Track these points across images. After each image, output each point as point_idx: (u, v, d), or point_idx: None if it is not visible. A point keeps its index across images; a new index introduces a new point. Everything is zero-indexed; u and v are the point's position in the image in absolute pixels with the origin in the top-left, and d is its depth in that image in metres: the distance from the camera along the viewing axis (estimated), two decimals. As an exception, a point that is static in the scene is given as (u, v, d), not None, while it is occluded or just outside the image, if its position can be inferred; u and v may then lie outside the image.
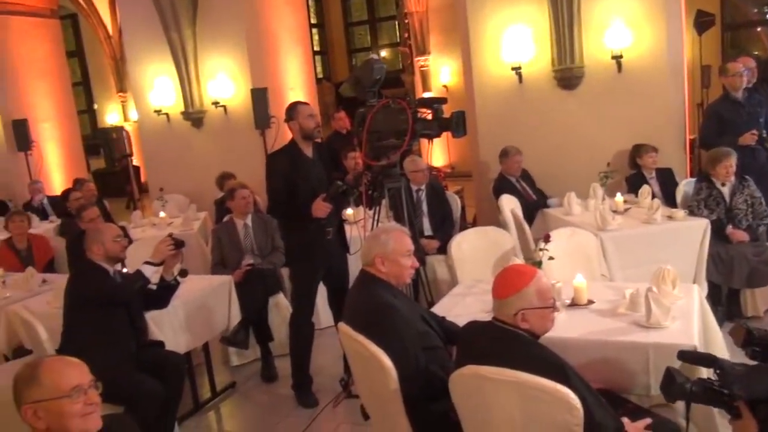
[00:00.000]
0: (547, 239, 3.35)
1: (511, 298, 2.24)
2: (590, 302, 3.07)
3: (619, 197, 5.12)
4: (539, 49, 6.21)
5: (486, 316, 2.82)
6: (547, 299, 2.26)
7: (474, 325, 2.45)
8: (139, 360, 3.46)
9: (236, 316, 4.36)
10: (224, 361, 4.81)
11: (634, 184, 5.55)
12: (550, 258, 3.29)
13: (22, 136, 9.48)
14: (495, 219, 5.68)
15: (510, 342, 2.21)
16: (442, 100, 3.59)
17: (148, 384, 3.30)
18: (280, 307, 4.85)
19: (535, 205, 5.70)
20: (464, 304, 3.30)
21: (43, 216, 8.35)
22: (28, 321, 3.56)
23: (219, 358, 4.77)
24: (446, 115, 3.57)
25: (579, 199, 5.22)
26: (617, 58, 5.93)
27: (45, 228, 7.28)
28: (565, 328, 2.75)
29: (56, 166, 10.25)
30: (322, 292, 4.18)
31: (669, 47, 5.88)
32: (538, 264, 3.15)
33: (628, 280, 3.98)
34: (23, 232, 5.71)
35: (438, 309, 3.23)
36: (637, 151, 5.71)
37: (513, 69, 6.26)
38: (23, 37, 9.80)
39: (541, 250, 3.31)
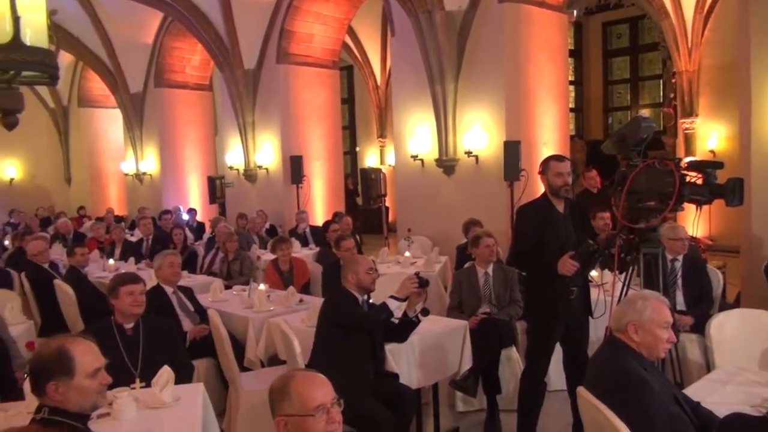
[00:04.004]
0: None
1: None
2: None
3: None
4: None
5: (751, 411, 2.50)
6: None
7: (740, 418, 2.16)
8: (375, 388, 3.63)
9: (467, 363, 4.37)
10: (450, 404, 4.83)
11: None
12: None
13: (296, 170, 10.81)
14: (764, 302, 5.00)
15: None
16: (717, 165, 3.29)
17: (381, 412, 3.44)
18: (512, 361, 4.77)
19: (820, 294, 4.92)
20: (724, 392, 2.94)
21: (304, 243, 9.30)
22: (287, 334, 3.93)
23: (445, 401, 4.80)
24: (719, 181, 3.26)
25: None
26: None
27: (304, 254, 8.09)
28: None
29: (320, 200, 11.44)
30: (557, 352, 4.03)
31: None
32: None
33: None
34: (288, 256, 6.42)
35: (690, 392, 2.91)
36: None
37: (804, 136, 5.57)
38: (308, 84, 11.21)
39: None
